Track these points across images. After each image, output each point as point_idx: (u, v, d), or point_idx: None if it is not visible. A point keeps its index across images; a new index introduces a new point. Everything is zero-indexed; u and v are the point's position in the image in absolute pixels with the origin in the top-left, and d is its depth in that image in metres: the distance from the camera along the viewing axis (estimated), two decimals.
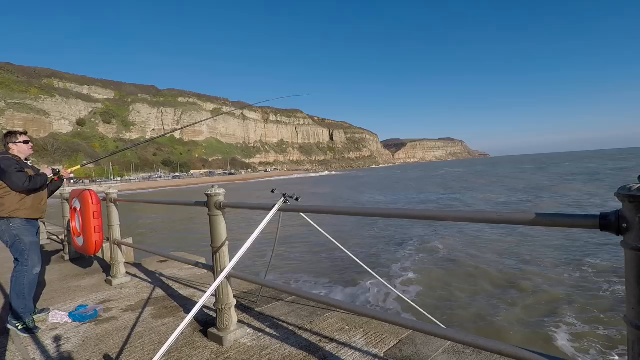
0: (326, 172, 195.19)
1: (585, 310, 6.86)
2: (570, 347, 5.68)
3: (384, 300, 7.77)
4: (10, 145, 3.57)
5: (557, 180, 40.01)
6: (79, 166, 4.72)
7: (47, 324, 3.43)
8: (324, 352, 2.55)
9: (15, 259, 3.45)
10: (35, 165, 3.83)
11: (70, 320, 3.45)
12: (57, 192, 4.31)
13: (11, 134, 3.63)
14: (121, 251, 4.79)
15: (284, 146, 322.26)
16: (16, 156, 3.53)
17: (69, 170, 4.04)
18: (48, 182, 3.69)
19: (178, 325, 1.97)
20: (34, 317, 3.43)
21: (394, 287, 7.94)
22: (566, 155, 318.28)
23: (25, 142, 3.63)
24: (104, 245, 5.56)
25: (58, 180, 3.88)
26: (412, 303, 3.71)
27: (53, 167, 3.89)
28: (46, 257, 6.36)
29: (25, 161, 3.63)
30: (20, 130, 3.74)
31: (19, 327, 3.25)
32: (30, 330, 3.25)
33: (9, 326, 3.28)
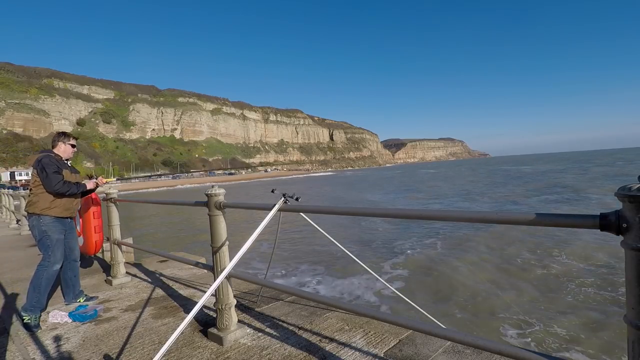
0: (319, 173, 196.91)
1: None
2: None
3: (383, 300, 7.78)
4: (60, 143, 3.80)
5: (505, 181, 44.31)
6: (113, 178, 4.76)
7: (47, 324, 3.43)
8: (324, 352, 2.55)
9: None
10: (75, 168, 4.01)
11: (70, 320, 3.45)
12: None
13: (65, 134, 3.90)
14: (121, 251, 4.80)
15: (284, 146, 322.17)
16: (58, 155, 3.75)
17: (105, 181, 4.19)
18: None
19: (178, 325, 1.97)
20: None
21: (393, 286, 7.94)
22: (560, 155, 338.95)
23: (72, 146, 3.89)
24: (104, 245, 5.56)
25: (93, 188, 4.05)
26: (412, 303, 3.70)
27: (91, 175, 4.14)
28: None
29: (65, 161, 3.83)
30: (72, 133, 3.99)
31: (24, 320, 3.30)
32: (30, 328, 3.27)
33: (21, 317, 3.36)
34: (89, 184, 3.91)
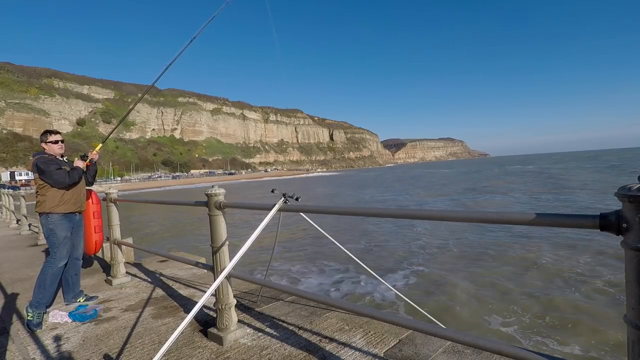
0: (307, 174, 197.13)
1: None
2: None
3: (383, 300, 7.77)
4: (42, 144, 3.74)
5: (474, 182, 48.75)
6: (100, 144, 4.41)
7: (47, 323, 3.43)
8: (324, 352, 2.55)
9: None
10: (71, 160, 3.96)
11: (70, 320, 3.45)
12: None
13: (43, 133, 3.79)
14: (121, 251, 4.80)
15: (284, 146, 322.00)
16: (51, 154, 3.70)
17: (95, 152, 4.13)
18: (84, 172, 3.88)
19: (178, 325, 1.97)
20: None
21: (394, 286, 7.94)
22: (556, 155, 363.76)
23: (55, 142, 3.76)
24: (104, 245, 5.56)
25: (91, 165, 4.03)
26: (412, 303, 3.71)
27: (81, 155, 3.99)
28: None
29: (61, 158, 3.80)
30: (53, 130, 3.87)
31: (28, 317, 3.33)
32: (32, 325, 3.29)
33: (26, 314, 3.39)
34: (78, 163, 3.79)
